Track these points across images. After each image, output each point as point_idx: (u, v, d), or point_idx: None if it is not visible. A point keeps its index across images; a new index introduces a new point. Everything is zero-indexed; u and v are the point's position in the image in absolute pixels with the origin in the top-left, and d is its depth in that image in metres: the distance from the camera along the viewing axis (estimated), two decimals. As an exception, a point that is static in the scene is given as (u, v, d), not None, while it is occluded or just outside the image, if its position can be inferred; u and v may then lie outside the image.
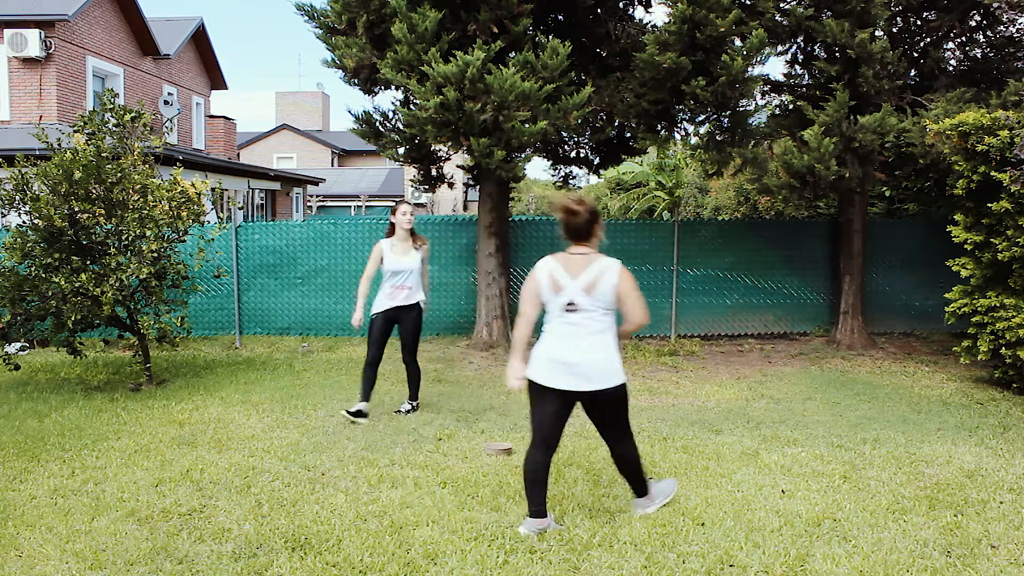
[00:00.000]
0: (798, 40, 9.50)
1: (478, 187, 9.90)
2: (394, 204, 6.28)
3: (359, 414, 5.98)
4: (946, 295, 7.91)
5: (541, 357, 3.80)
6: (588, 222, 3.76)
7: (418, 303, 6.22)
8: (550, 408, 3.81)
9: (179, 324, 7.43)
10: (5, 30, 14.69)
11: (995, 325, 7.20)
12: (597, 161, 10.86)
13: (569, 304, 3.73)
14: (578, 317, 3.74)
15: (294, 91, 40.68)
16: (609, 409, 3.88)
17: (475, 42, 8.03)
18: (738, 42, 8.61)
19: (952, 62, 9.69)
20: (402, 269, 6.11)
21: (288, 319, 10.45)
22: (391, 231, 6.20)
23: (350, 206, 30.80)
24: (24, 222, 7.24)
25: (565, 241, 3.86)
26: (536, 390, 3.82)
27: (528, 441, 5.46)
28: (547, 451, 3.87)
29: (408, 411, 6.36)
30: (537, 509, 3.85)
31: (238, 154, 25.32)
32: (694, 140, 10.03)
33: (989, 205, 7.04)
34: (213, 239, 8.60)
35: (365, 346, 6.46)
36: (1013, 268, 7.13)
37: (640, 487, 4.13)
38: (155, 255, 7.15)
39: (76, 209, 6.99)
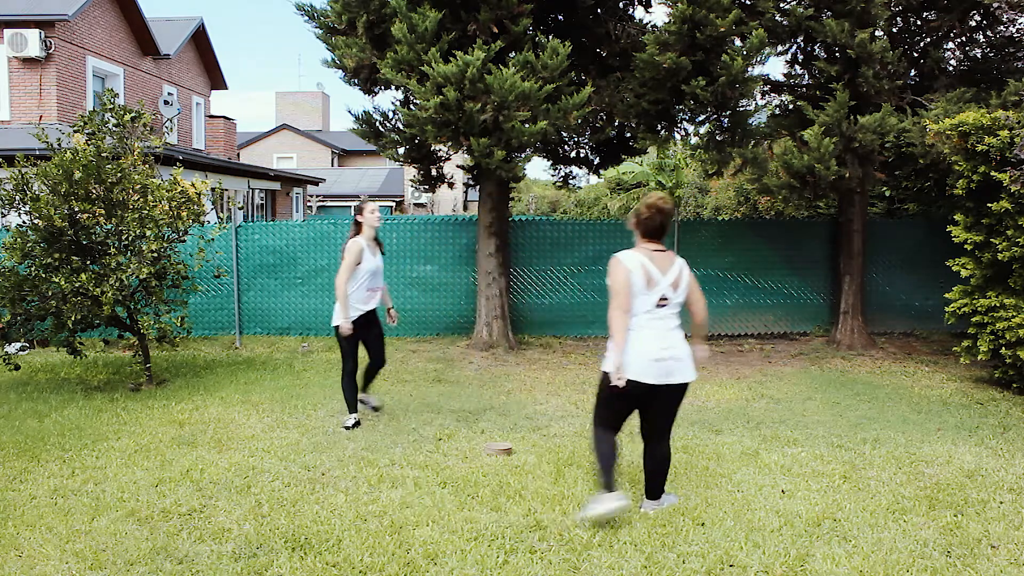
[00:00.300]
0: (798, 40, 9.50)
1: (478, 187, 9.90)
2: (359, 203, 5.93)
3: (356, 424, 5.94)
4: (946, 295, 7.91)
5: (637, 354, 3.85)
6: (668, 221, 3.94)
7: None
8: (628, 402, 3.96)
9: (179, 324, 7.44)
10: (5, 30, 14.69)
11: (995, 325, 7.20)
12: (597, 161, 10.86)
13: (662, 299, 3.87)
14: (664, 312, 3.90)
15: (294, 91, 40.74)
16: (676, 402, 4.01)
17: (475, 42, 8.04)
18: (738, 42, 8.62)
19: (952, 62, 9.69)
20: (379, 269, 5.96)
21: (288, 319, 10.45)
22: (358, 230, 5.84)
23: (350, 206, 30.81)
24: (24, 222, 7.24)
25: (638, 237, 3.97)
26: (626, 386, 3.87)
27: (528, 441, 5.52)
28: (616, 433, 4.06)
29: (381, 405, 6.43)
30: (611, 484, 3.95)
31: (238, 154, 25.32)
32: (694, 140, 10.04)
33: (989, 205, 7.04)
34: (213, 239, 8.61)
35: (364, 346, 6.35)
36: (1013, 268, 7.13)
37: (658, 490, 4.20)
38: (155, 255, 7.16)
39: (76, 209, 6.99)
